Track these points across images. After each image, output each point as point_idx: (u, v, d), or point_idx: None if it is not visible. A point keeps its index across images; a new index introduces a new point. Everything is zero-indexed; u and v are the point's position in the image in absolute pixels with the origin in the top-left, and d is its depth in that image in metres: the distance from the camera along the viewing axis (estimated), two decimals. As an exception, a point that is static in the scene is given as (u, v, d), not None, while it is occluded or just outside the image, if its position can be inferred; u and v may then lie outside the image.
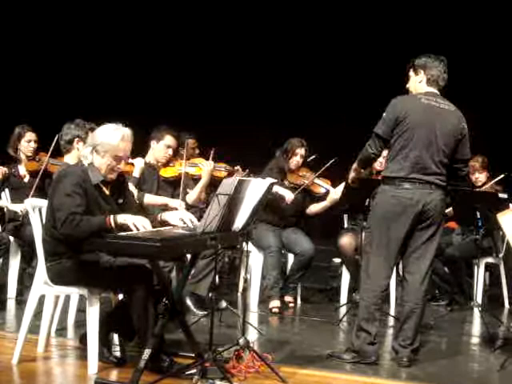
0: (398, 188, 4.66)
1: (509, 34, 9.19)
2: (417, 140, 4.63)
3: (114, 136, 4.31)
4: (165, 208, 5.32)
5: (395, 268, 5.70)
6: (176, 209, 5.30)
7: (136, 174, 5.64)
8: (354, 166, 4.98)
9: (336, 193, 6.32)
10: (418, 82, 4.80)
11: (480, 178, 6.78)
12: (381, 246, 4.70)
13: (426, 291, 4.79)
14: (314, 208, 6.59)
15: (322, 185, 6.49)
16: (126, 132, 4.37)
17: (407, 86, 4.89)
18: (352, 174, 5.07)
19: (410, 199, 4.63)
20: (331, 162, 6.26)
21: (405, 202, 4.63)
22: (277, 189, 6.10)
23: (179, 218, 4.36)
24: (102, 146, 4.31)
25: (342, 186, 6.17)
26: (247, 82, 10.01)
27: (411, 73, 4.84)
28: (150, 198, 5.50)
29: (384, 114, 4.72)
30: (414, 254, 4.74)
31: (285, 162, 6.50)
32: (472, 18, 9.32)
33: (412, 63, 4.83)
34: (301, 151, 6.49)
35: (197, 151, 7.00)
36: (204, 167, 5.94)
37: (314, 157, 6.57)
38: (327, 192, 6.46)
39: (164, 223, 4.35)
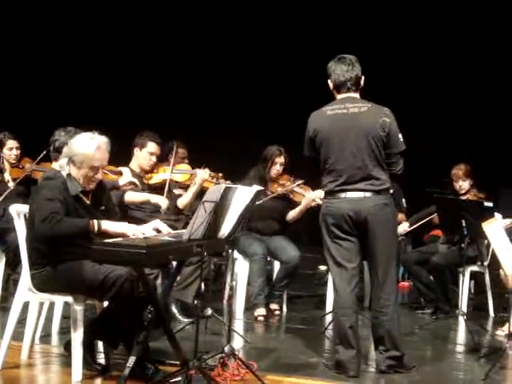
0: (329, 201, 4.69)
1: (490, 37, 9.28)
2: (331, 153, 4.63)
3: (89, 146, 4.28)
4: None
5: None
6: (158, 205, 5.29)
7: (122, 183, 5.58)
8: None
9: (308, 196, 6.33)
10: (332, 91, 4.78)
11: (463, 185, 6.80)
12: (332, 260, 4.72)
13: (389, 299, 4.68)
14: (292, 214, 6.58)
15: (302, 193, 6.48)
16: (102, 141, 4.34)
17: None
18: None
19: (339, 208, 4.62)
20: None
21: (335, 211, 4.63)
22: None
23: (153, 228, 4.33)
24: (77, 156, 4.28)
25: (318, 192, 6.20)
26: (231, 88, 10.05)
27: (328, 82, 4.80)
28: (130, 196, 5.46)
29: (305, 140, 4.79)
30: (370, 263, 4.78)
31: (264, 170, 6.49)
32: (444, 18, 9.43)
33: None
34: (280, 160, 6.48)
35: (186, 161, 6.96)
36: (199, 174, 5.92)
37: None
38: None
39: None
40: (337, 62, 4.71)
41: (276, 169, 6.49)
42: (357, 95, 4.73)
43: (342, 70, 4.68)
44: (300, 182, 6.44)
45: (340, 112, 4.65)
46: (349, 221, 4.61)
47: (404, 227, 6.98)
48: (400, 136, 4.69)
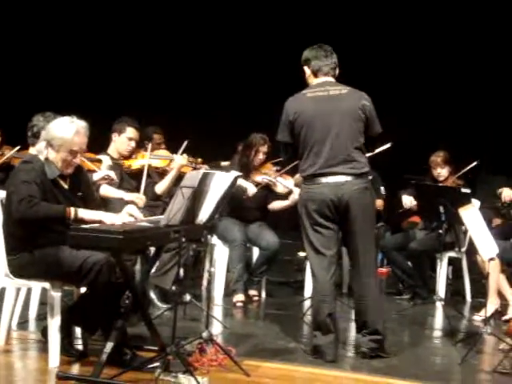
0: (309, 184, 4.66)
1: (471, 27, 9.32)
2: (311, 135, 4.61)
3: (68, 130, 4.27)
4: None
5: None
6: (132, 202, 5.28)
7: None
8: None
9: (297, 194, 6.34)
10: (308, 78, 4.80)
11: (442, 172, 6.81)
12: (311, 247, 4.71)
13: (370, 284, 4.69)
14: (277, 205, 6.60)
15: (283, 183, 6.47)
16: (81, 125, 4.33)
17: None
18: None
19: (320, 193, 4.60)
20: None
21: (316, 197, 4.60)
22: (240, 181, 6.10)
23: (127, 212, 4.31)
24: (56, 140, 4.26)
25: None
26: (211, 75, 10.02)
27: (304, 69, 4.83)
28: (104, 190, 5.43)
29: (281, 120, 4.74)
30: (350, 248, 4.75)
31: (248, 158, 6.48)
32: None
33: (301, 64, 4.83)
34: (263, 148, 6.47)
35: (163, 146, 6.94)
36: (176, 160, 5.89)
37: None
38: (290, 191, 6.45)
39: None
40: (316, 49, 4.76)
41: (259, 158, 6.49)
42: (333, 79, 4.76)
43: (321, 55, 4.73)
44: (283, 171, 6.43)
45: (321, 94, 4.65)
46: (331, 206, 4.59)
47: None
48: (377, 119, 4.73)
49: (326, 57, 4.73)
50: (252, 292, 6.48)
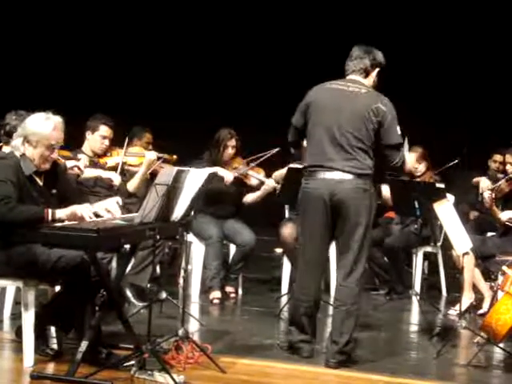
0: (307, 178, 4.58)
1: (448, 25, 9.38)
2: (319, 126, 4.55)
3: (46, 125, 4.25)
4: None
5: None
6: (111, 180, 5.32)
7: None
8: None
9: (269, 184, 6.34)
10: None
11: (419, 168, 6.85)
12: (303, 240, 4.67)
13: (354, 289, 4.54)
14: (250, 198, 6.59)
15: (255, 176, 6.48)
16: (58, 120, 4.31)
17: None
18: None
19: (316, 189, 4.51)
20: (272, 152, 6.26)
21: (313, 194, 4.53)
22: (216, 169, 6.09)
23: (106, 209, 4.29)
24: (33, 136, 4.23)
25: (281, 171, 6.25)
26: (190, 76, 10.00)
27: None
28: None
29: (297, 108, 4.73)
30: (340, 249, 4.62)
31: (216, 154, 6.47)
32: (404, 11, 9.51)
33: None
34: (231, 143, 6.47)
35: (150, 146, 6.88)
36: (146, 156, 5.87)
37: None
38: (261, 182, 6.45)
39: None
40: (357, 48, 4.71)
41: (228, 152, 6.48)
42: (362, 80, 4.66)
43: (353, 56, 4.69)
44: (253, 164, 6.43)
45: (340, 87, 4.60)
46: (327, 203, 4.49)
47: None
48: (397, 129, 4.58)
49: (351, 56, 4.69)
50: (229, 289, 6.47)
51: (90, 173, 5.48)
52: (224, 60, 10.08)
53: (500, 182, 6.20)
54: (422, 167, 6.85)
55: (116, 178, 5.56)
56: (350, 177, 4.49)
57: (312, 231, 4.61)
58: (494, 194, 6.14)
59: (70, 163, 5.20)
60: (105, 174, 5.48)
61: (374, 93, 4.63)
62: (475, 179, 6.69)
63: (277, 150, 6.22)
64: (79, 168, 5.22)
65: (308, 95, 4.68)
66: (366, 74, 4.67)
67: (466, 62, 9.55)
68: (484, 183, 6.52)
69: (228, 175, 6.30)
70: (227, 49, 10.06)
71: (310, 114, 4.61)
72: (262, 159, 6.39)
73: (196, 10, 10.12)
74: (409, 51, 9.34)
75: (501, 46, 9.46)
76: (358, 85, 4.61)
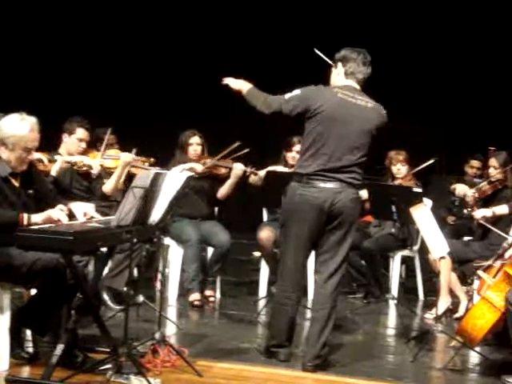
0: (305, 186, 4.52)
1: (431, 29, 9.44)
2: (328, 136, 4.50)
3: (22, 127, 4.21)
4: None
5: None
6: (91, 168, 5.37)
7: (53, 172, 5.46)
8: (244, 87, 4.69)
9: (237, 167, 6.35)
10: (336, 75, 4.69)
11: (401, 169, 6.86)
12: (290, 244, 4.62)
13: (333, 293, 4.59)
14: (223, 189, 6.56)
15: (223, 165, 6.48)
16: (33, 121, 4.27)
17: (330, 83, 4.76)
18: (235, 85, 4.73)
19: (316, 198, 4.49)
20: (234, 145, 6.27)
21: (311, 201, 4.49)
22: (181, 166, 6.10)
23: (84, 212, 4.28)
24: (10, 138, 4.19)
25: (241, 167, 6.31)
26: (158, 78, 9.99)
27: (332, 67, 4.74)
28: (65, 159, 5.44)
29: (297, 93, 4.55)
30: (325, 255, 4.59)
31: (182, 155, 6.47)
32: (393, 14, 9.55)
33: (332, 59, 4.74)
34: (194, 140, 6.48)
35: (116, 146, 6.86)
36: (121, 158, 5.85)
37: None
38: (230, 169, 6.43)
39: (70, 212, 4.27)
40: (358, 53, 4.66)
41: (193, 149, 6.48)
42: (359, 89, 4.67)
43: (360, 61, 4.64)
44: (220, 155, 6.42)
45: (349, 99, 4.56)
46: (324, 212, 4.49)
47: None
48: None
49: (364, 64, 4.65)
50: (208, 292, 6.44)
51: (72, 159, 5.45)
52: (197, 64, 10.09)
53: (483, 184, 6.24)
54: (404, 170, 6.87)
55: (96, 166, 5.53)
56: (348, 187, 4.55)
57: (301, 237, 4.58)
58: (477, 194, 6.19)
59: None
60: (86, 161, 5.45)
61: (377, 105, 4.65)
62: (452, 186, 6.74)
63: (238, 144, 6.23)
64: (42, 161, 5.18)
65: (311, 96, 4.55)
66: (363, 83, 4.71)
67: (445, 68, 9.62)
68: (460, 187, 6.57)
69: (195, 165, 6.29)
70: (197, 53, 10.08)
71: (315, 121, 4.51)
72: (225, 152, 6.37)
73: (168, 15, 10.11)
74: (391, 55, 9.38)
75: (480, 55, 9.55)
76: (363, 97, 4.62)
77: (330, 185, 4.51)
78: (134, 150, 5.86)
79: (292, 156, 6.46)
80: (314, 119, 4.53)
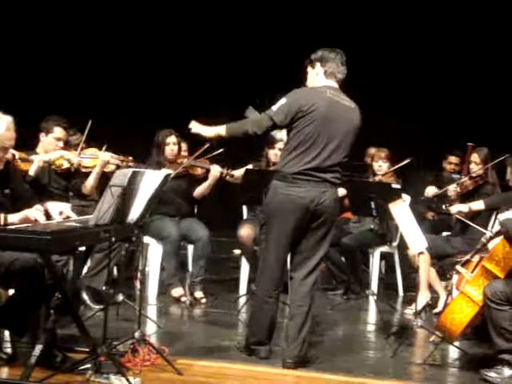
0: (290, 185, 4.51)
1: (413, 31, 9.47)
2: (318, 136, 4.49)
3: None
4: None
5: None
6: (71, 161, 5.36)
7: (31, 172, 5.42)
8: (220, 130, 4.62)
9: (215, 169, 6.34)
10: (315, 75, 4.68)
11: (383, 166, 6.88)
12: (273, 242, 4.61)
13: (311, 291, 4.61)
14: (201, 189, 6.57)
15: (201, 165, 6.49)
16: (9, 120, 4.24)
17: (306, 83, 4.75)
18: (209, 133, 4.68)
19: (302, 198, 4.48)
20: (205, 147, 6.26)
21: (296, 201, 4.49)
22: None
23: (60, 211, 4.25)
24: None
25: (218, 169, 6.31)
26: (135, 75, 9.96)
27: (309, 68, 4.73)
28: (44, 157, 5.41)
29: (283, 101, 4.52)
30: (304, 254, 4.61)
31: (158, 155, 6.46)
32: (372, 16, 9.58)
33: (309, 59, 4.73)
34: (171, 139, 6.47)
35: (81, 144, 6.79)
36: (100, 156, 5.83)
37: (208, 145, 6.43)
38: (207, 170, 6.45)
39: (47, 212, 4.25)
40: (336, 53, 4.67)
41: (170, 149, 6.47)
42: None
43: (339, 61, 4.65)
44: (197, 154, 6.41)
45: (336, 99, 4.57)
46: (309, 211, 4.50)
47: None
48: None
49: (343, 64, 4.66)
50: (198, 294, 6.34)
51: (51, 155, 5.42)
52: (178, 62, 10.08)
53: (464, 179, 6.28)
54: (385, 167, 6.90)
55: (75, 159, 5.50)
56: (331, 187, 4.58)
57: (284, 236, 4.58)
58: (459, 189, 6.22)
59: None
60: (67, 155, 5.42)
61: (356, 108, 4.68)
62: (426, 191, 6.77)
63: (208, 145, 6.23)
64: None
65: (300, 98, 4.53)
66: (341, 83, 4.72)
67: (423, 64, 9.66)
68: (428, 188, 6.62)
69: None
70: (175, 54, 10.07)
71: (306, 120, 4.49)
72: (198, 153, 6.39)
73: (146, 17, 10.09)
74: (370, 53, 9.42)
75: (457, 52, 9.60)
76: (343, 97, 4.64)
77: (315, 185, 4.52)
78: (105, 146, 5.85)
79: (274, 153, 6.47)
80: (305, 118, 4.50)
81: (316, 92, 4.60)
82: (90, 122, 5.90)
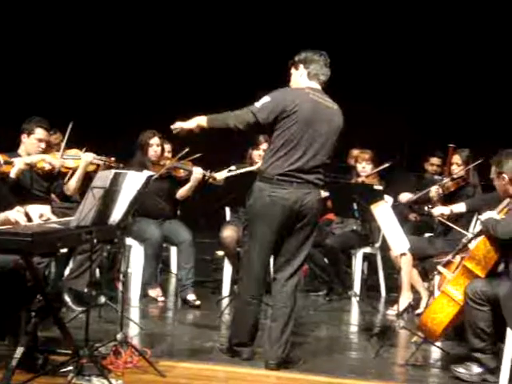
0: (274, 187, 4.49)
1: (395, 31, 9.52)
2: (302, 137, 4.49)
3: None
4: None
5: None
6: (52, 164, 5.30)
7: (12, 174, 5.39)
8: (202, 120, 4.57)
9: (197, 172, 6.33)
10: (299, 76, 4.68)
11: (366, 168, 6.89)
12: (256, 244, 4.60)
13: (294, 292, 4.62)
14: (182, 190, 6.55)
15: (183, 167, 6.48)
16: None
17: (290, 84, 4.75)
18: (191, 125, 4.60)
19: (286, 200, 4.48)
20: (184, 152, 6.28)
21: (281, 203, 4.48)
22: None
23: (40, 213, 4.23)
24: None
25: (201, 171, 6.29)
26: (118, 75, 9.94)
27: (292, 69, 4.73)
28: (26, 160, 5.36)
29: (267, 99, 4.50)
30: (287, 255, 4.61)
31: (142, 156, 6.45)
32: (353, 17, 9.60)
33: (292, 60, 4.74)
34: (154, 141, 6.45)
35: (63, 145, 6.77)
36: (82, 157, 5.81)
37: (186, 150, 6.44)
38: (189, 172, 6.43)
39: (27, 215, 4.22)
40: (319, 55, 4.67)
41: (154, 150, 6.46)
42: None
43: (322, 62, 4.66)
44: (180, 155, 6.41)
45: (319, 100, 4.57)
46: (293, 213, 4.50)
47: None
48: None
49: (326, 66, 4.67)
50: (191, 297, 6.28)
51: (32, 159, 5.40)
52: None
53: (446, 180, 6.31)
54: (368, 169, 6.91)
55: (57, 163, 5.48)
56: (315, 188, 4.58)
57: (268, 238, 4.57)
58: (441, 190, 6.25)
59: None
60: (48, 158, 5.40)
61: (339, 109, 4.68)
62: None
63: (187, 150, 6.25)
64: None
65: (285, 98, 4.52)
66: (325, 85, 4.73)
67: (406, 64, 9.70)
68: (402, 195, 6.64)
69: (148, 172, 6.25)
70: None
71: (288, 121, 4.48)
72: (177, 157, 6.39)
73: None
74: (354, 51, 9.45)
75: (440, 54, 9.66)
76: (327, 98, 4.64)
77: (299, 186, 4.52)
78: (84, 149, 5.83)
79: (258, 154, 6.47)
80: (288, 119, 4.49)
81: (300, 93, 4.60)
82: (71, 123, 5.88)
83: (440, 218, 5.84)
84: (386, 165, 6.88)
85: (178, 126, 4.66)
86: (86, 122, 7.18)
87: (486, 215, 4.68)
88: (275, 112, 4.48)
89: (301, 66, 4.69)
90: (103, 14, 10.01)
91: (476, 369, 4.58)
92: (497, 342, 4.60)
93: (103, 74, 9.95)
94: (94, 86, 9.88)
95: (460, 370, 4.61)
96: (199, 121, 4.59)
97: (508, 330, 4.47)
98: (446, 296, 4.70)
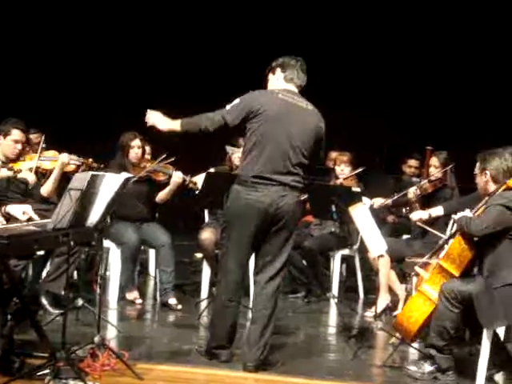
0: (250, 190, 4.50)
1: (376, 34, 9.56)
2: (270, 137, 4.51)
3: None
4: None
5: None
6: (26, 180, 5.26)
7: None
8: (175, 125, 4.62)
9: (177, 175, 6.32)
10: (275, 80, 4.72)
11: (345, 170, 6.91)
12: (233, 246, 4.60)
13: (274, 295, 4.63)
14: (162, 194, 6.53)
15: (164, 171, 6.47)
16: None
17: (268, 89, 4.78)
18: (163, 127, 4.64)
19: (261, 202, 4.48)
20: (162, 157, 6.31)
21: (256, 206, 4.49)
22: None
23: (23, 211, 4.21)
24: None
25: (181, 175, 6.28)
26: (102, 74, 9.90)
27: (270, 75, 4.77)
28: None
29: (237, 101, 4.56)
30: (267, 258, 4.62)
31: (122, 157, 6.43)
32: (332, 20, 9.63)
33: (270, 66, 4.78)
34: (135, 142, 6.43)
35: (43, 145, 6.73)
36: (59, 158, 5.78)
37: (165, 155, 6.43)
38: (169, 176, 6.42)
39: (7, 216, 4.20)
40: (296, 60, 4.71)
41: (134, 152, 6.44)
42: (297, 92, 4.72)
43: (299, 68, 4.69)
44: (161, 158, 6.40)
45: (289, 100, 4.58)
46: (268, 216, 4.50)
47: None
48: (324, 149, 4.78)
49: (303, 72, 4.70)
50: (172, 301, 6.25)
51: (3, 173, 5.37)
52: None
53: (423, 182, 6.34)
54: (347, 171, 6.93)
55: (31, 178, 5.45)
56: (292, 191, 4.57)
57: (244, 240, 4.58)
58: (418, 191, 6.28)
59: None
60: (20, 174, 5.37)
61: (315, 110, 4.70)
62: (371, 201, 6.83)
63: (165, 155, 6.28)
64: None
65: (251, 100, 4.56)
66: (301, 89, 4.75)
67: (384, 67, 9.76)
68: (375, 200, 6.67)
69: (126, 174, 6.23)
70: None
71: (257, 122, 4.51)
72: (157, 162, 6.39)
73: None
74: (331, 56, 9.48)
75: (419, 56, 9.71)
76: (301, 99, 4.66)
77: (274, 188, 4.51)
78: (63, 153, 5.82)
79: (238, 157, 6.46)
80: (256, 120, 4.53)
81: (269, 94, 4.65)
82: (43, 136, 5.85)
83: (418, 223, 5.86)
84: (360, 169, 6.90)
85: (152, 121, 4.68)
86: (66, 123, 7.19)
87: (460, 214, 4.72)
88: (242, 114, 4.54)
89: (278, 70, 4.73)
90: (89, 15, 9.97)
91: (428, 367, 4.63)
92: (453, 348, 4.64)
93: (84, 75, 9.91)
94: (75, 87, 9.84)
95: (412, 367, 4.68)
96: (172, 126, 4.63)
97: (484, 330, 4.50)
98: (422, 295, 4.73)
